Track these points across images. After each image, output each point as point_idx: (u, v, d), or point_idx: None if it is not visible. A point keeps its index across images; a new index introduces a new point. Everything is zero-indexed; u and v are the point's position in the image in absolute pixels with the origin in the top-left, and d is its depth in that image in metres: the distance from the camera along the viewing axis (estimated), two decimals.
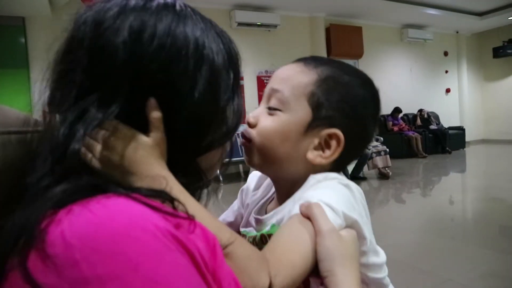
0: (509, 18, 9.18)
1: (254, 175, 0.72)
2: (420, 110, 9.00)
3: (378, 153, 5.80)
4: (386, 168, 5.86)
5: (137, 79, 0.37)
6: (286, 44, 7.10)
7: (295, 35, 7.49)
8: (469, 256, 2.75)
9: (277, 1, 6.89)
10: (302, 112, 0.57)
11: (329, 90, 0.58)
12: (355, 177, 5.78)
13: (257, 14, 6.93)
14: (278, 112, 0.58)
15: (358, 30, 8.24)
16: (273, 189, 0.66)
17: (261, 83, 7.05)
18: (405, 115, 8.85)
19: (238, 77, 0.47)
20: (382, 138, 6.49)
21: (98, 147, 0.37)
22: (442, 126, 9.11)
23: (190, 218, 0.35)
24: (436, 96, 9.97)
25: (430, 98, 9.71)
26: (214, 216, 0.42)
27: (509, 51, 9.78)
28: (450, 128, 9.19)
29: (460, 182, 6.11)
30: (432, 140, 8.51)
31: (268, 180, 0.69)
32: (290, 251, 0.46)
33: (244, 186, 0.74)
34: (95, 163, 0.36)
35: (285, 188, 0.60)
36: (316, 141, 0.57)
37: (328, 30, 7.82)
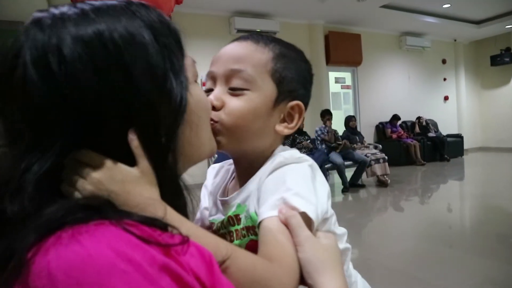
0: (507, 27, 9.25)
1: (212, 168, 0.75)
2: (419, 118, 9.02)
3: (377, 160, 5.80)
4: (385, 176, 5.85)
5: (72, 111, 0.35)
6: None
7: (294, 42, 7.29)
8: (467, 264, 2.73)
9: (276, 8, 6.93)
10: (268, 89, 0.60)
11: (286, 65, 0.62)
12: (354, 184, 5.77)
13: (257, 21, 6.96)
14: (245, 91, 0.60)
15: (356, 38, 8.28)
16: (231, 171, 0.70)
17: None
18: (404, 122, 8.87)
19: (174, 49, 0.43)
20: (380, 146, 6.49)
21: (82, 184, 0.36)
22: (440, 133, 9.12)
23: (184, 240, 0.34)
24: (434, 103, 10.00)
25: (428, 106, 9.73)
26: (208, 232, 0.41)
27: (506, 59, 9.84)
28: (448, 135, 9.20)
29: (458, 190, 6.10)
30: (430, 148, 8.52)
31: (226, 166, 0.73)
32: (286, 256, 0.46)
33: (205, 182, 0.74)
34: (82, 200, 0.35)
35: (247, 165, 0.63)
36: (281, 115, 0.63)
37: (327, 37, 7.86)
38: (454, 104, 10.44)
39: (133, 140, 0.38)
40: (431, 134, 8.75)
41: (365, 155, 5.80)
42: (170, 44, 0.42)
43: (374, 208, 4.93)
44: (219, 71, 0.61)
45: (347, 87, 8.69)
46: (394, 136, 8.34)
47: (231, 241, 0.60)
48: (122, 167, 0.38)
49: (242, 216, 0.59)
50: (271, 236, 0.48)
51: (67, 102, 0.34)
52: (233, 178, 0.69)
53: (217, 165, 0.75)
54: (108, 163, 0.37)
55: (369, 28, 8.54)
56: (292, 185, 0.52)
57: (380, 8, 7.29)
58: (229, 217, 0.61)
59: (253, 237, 0.57)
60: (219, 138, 0.59)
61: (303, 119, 0.66)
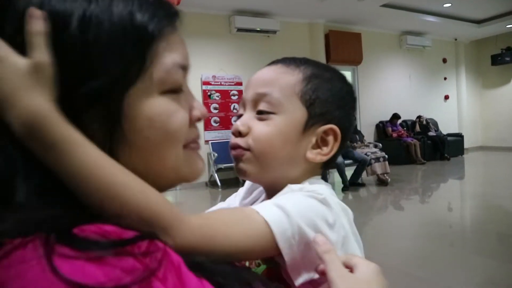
0: (507, 26, 9.24)
1: (236, 195, 0.71)
2: (419, 117, 9.02)
3: (377, 159, 5.80)
4: (385, 175, 5.85)
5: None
6: (285, 50, 7.10)
7: (294, 41, 7.51)
8: (467, 263, 2.73)
9: (276, 7, 6.92)
10: (297, 112, 0.57)
11: (317, 87, 0.58)
12: (354, 183, 5.77)
13: (257, 19, 6.96)
14: (271, 115, 0.56)
15: (357, 37, 8.27)
16: (263, 195, 0.64)
17: None
18: (404, 121, 8.87)
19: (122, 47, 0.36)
20: (381, 144, 6.49)
21: None
22: (440, 132, 9.12)
23: (155, 268, 0.30)
24: (434, 102, 9.99)
25: (429, 105, 9.73)
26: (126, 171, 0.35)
27: (507, 58, 9.83)
28: (449, 134, 9.20)
29: (458, 189, 6.10)
30: (430, 147, 8.52)
31: (260, 188, 0.67)
32: (223, 224, 0.43)
33: (238, 192, 0.71)
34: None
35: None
36: (313, 140, 0.57)
37: (327, 36, 7.85)
38: (454, 103, 10.43)
39: (34, 19, 0.31)
40: (432, 133, 8.74)
41: (365, 154, 5.80)
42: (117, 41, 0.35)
43: (374, 207, 4.93)
44: (248, 96, 0.59)
45: None
46: (395, 135, 8.34)
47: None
48: (11, 59, 0.31)
49: None
50: (242, 212, 0.47)
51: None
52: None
53: (246, 187, 0.70)
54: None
55: (369, 27, 8.53)
56: (278, 200, 0.49)
57: (381, 7, 7.28)
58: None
59: (266, 265, 0.56)
60: (247, 167, 0.56)
61: (340, 145, 0.59)
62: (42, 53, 0.31)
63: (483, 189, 5.71)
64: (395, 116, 8.42)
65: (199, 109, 0.45)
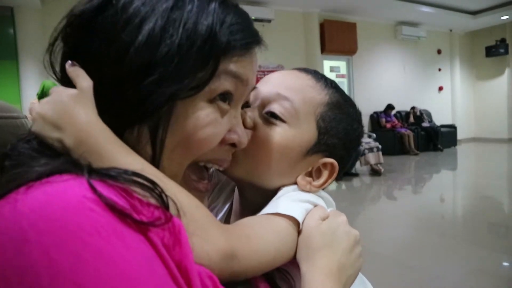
0: (502, 18, 9.24)
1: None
2: (413, 108, 9.05)
3: (371, 149, 5.82)
4: (378, 165, 5.88)
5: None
6: (280, 39, 7.06)
7: (289, 30, 7.45)
8: (458, 253, 2.77)
9: None
10: (308, 132, 0.53)
11: (337, 117, 0.55)
12: (347, 173, 5.79)
13: (251, 8, 6.86)
14: (281, 123, 0.52)
15: (352, 27, 8.22)
16: (231, 200, 0.62)
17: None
18: (398, 112, 8.89)
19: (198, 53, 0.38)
20: (374, 135, 6.51)
21: (36, 107, 0.37)
22: (434, 123, 9.17)
23: (167, 218, 0.32)
24: (429, 93, 10.02)
25: (423, 96, 9.75)
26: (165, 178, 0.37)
27: (501, 50, 9.85)
28: (442, 126, 9.25)
29: (451, 179, 6.16)
30: (424, 138, 8.57)
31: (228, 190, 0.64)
32: (259, 238, 0.43)
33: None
34: (34, 127, 0.37)
35: (256, 202, 0.54)
36: (309, 167, 0.54)
37: (322, 26, 7.79)
38: (448, 95, 10.47)
39: (69, 66, 0.39)
40: (425, 124, 8.79)
41: None
42: (194, 46, 0.38)
43: (367, 197, 4.96)
44: (263, 91, 0.54)
45: (342, 76, 8.65)
46: (388, 125, 8.36)
47: None
48: (61, 89, 0.38)
49: None
50: (256, 218, 0.47)
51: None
52: (230, 210, 0.62)
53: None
54: (59, 88, 0.38)
55: (364, 17, 8.48)
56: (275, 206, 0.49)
57: None
58: None
59: None
60: (236, 166, 0.51)
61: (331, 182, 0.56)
62: (82, 81, 0.37)
63: (475, 180, 5.77)
64: (389, 107, 8.44)
65: (238, 135, 0.45)
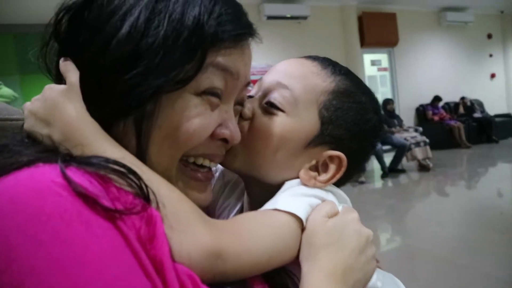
0: None
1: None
2: (463, 98, 8.56)
3: (417, 144, 5.58)
4: (427, 160, 5.62)
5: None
6: (317, 36, 6.96)
7: (326, 25, 7.32)
8: None
9: None
10: (308, 122, 0.50)
11: (342, 107, 0.51)
12: (394, 169, 5.59)
13: (286, 6, 6.82)
14: (279, 112, 0.50)
15: (392, 17, 7.91)
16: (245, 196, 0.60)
17: None
18: (446, 103, 8.46)
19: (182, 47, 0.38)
20: (421, 128, 6.25)
21: (27, 105, 0.39)
22: (487, 113, 8.61)
23: (143, 208, 0.32)
24: (479, 82, 9.41)
25: (473, 85, 9.18)
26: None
27: None
28: (496, 115, 8.66)
29: (509, 173, 5.73)
30: (476, 129, 8.06)
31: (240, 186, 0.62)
32: (252, 235, 0.40)
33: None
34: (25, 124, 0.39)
35: (262, 198, 0.51)
36: (313, 161, 0.51)
37: (360, 19, 7.57)
38: (502, 82, 9.78)
39: (62, 61, 0.40)
40: (477, 115, 8.27)
41: (405, 139, 5.59)
42: (183, 39, 0.37)
43: (415, 194, 4.76)
44: (266, 80, 0.53)
45: (384, 69, 8.37)
46: (436, 118, 7.97)
47: None
48: (52, 85, 0.40)
49: None
50: (252, 215, 0.45)
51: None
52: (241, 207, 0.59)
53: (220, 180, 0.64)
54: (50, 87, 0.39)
55: (404, 5, 8.13)
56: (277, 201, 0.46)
57: None
58: None
59: None
60: (234, 158, 0.50)
61: (342, 177, 0.51)
62: (72, 77, 0.38)
63: None
64: (436, 98, 8.05)
65: (230, 130, 0.44)
